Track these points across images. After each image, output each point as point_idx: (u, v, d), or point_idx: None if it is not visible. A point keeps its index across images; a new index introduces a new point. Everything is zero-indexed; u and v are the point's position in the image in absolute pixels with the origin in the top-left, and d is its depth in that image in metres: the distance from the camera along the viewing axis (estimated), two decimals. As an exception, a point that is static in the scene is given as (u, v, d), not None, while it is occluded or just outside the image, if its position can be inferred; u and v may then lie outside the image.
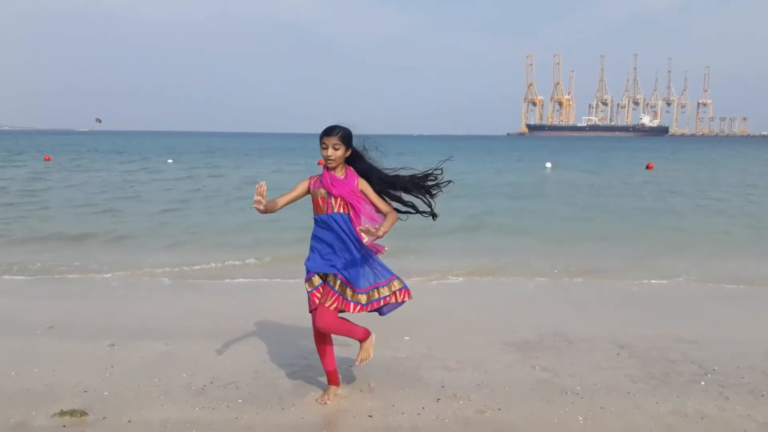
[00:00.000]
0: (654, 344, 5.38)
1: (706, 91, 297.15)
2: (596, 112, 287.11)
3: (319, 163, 35.60)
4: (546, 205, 18.13)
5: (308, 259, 4.00)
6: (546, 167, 37.01)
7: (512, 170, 35.10)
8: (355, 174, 3.90)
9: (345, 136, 3.79)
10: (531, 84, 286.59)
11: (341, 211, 3.83)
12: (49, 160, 38.38)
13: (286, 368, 4.74)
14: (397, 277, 4.04)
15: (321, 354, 4.14)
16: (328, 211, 3.84)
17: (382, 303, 3.96)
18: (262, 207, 3.62)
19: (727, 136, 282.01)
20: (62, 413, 3.90)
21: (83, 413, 3.91)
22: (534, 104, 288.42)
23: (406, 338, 5.43)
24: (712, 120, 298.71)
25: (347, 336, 4.10)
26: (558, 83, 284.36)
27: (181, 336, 5.53)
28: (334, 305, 3.88)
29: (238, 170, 32.97)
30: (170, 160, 40.02)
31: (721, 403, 4.16)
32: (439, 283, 8.00)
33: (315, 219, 3.94)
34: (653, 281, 8.24)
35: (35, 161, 37.82)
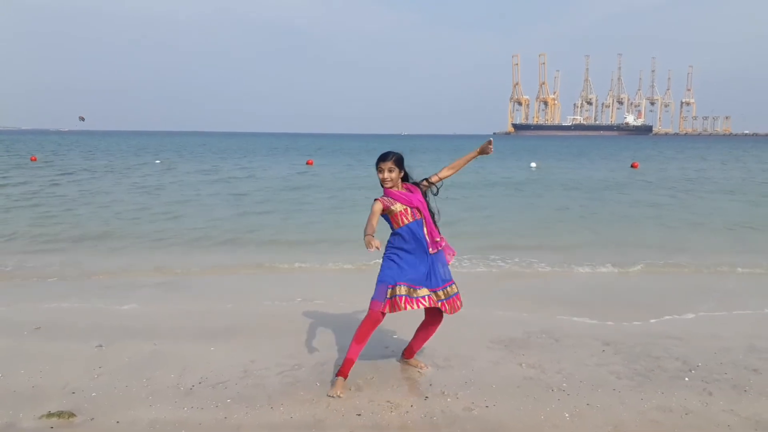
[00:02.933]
0: (638, 341, 5.45)
1: (689, 90, 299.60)
2: (581, 111, 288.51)
3: (308, 163, 35.23)
4: (534, 202, 18.23)
5: (394, 271, 4.26)
6: (531, 167, 37.17)
7: (500, 169, 35.24)
8: (415, 188, 4.41)
9: (397, 159, 4.33)
10: (517, 84, 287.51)
11: (417, 218, 4.30)
12: (34, 160, 38.13)
13: (274, 368, 4.75)
14: (454, 282, 4.47)
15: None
16: (410, 221, 4.28)
17: (455, 300, 4.40)
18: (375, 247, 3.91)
19: (710, 134, 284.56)
20: (50, 414, 3.89)
21: (71, 414, 3.90)
22: (520, 104, 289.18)
23: (394, 336, 5.46)
24: (696, 119, 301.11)
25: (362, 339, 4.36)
26: (543, 83, 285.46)
27: (170, 336, 5.53)
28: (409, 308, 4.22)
29: (233, 169, 32.87)
30: (157, 161, 39.76)
31: (705, 399, 4.22)
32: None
33: (398, 231, 4.30)
34: (637, 277, 8.33)
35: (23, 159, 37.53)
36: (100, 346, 5.24)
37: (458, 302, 4.44)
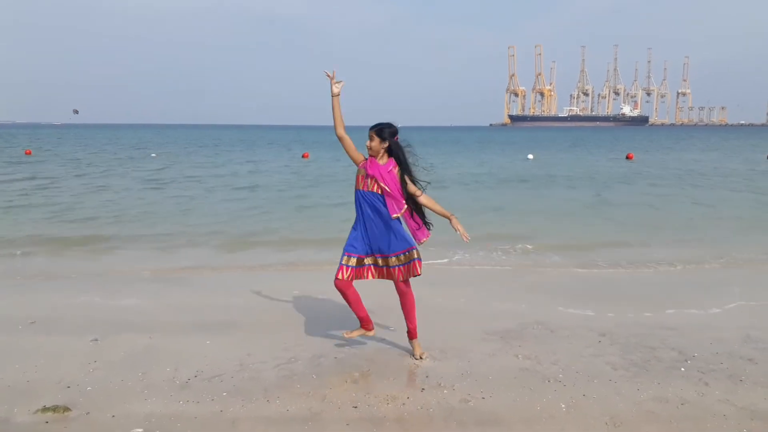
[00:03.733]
0: (634, 331, 5.45)
1: (685, 80, 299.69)
2: (577, 102, 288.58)
3: (304, 156, 35.16)
4: (526, 193, 18.23)
5: (348, 239, 4.69)
6: (528, 158, 37.17)
7: (497, 160, 35.24)
8: (395, 163, 4.60)
9: (379, 130, 4.56)
10: (513, 75, 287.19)
11: (375, 190, 4.56)
12: (29, 153, 38.10)
13: (270, 361, 4.74)
14: (416, 248, 4.65)
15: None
16: (364, 188, 4.58)
17: (415, 264, 4.60)
18: (338, 90, 4.60)
19: (706, 125, 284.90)
20: (45, 409, 3.87)
21: (66, 409, 3.89)
22: (516, 95, 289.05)
23: (390, 328, 5.45)
24: (691, 109, 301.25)
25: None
26: (540, 74, 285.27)
27: (165, 330, 5.51)
28: (369, 278, 4.71)
29: (225, 165, 32.79)
30: (153, 154, 39.65)
31: (701, 389, 4.23)
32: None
33: (355, 192, 4.68)
34: (632, 268, 8.34)
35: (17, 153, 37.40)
36: (96, 340, 5.22)
37: (417, 267, 4.61)
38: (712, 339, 5.24)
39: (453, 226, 4.52)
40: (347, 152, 4.65)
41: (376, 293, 5.80)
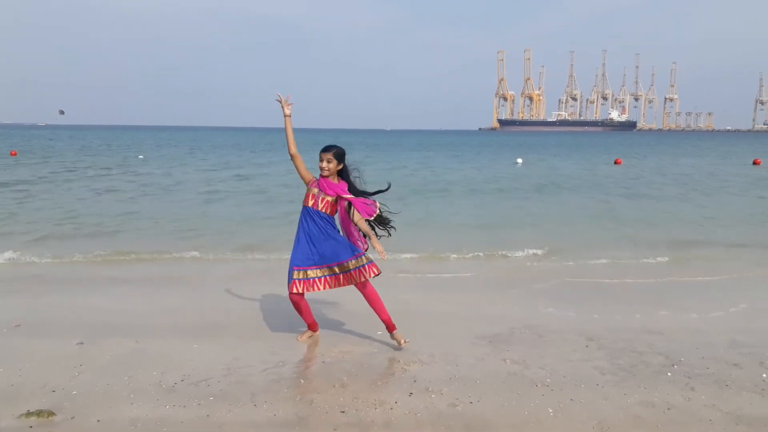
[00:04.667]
0: (621, 336, 5.48)
1: (672, 86, 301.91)
2: (566, 107, 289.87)
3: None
4: (512, 199, 18.28)
5: (294, 254, 4.95)
6: (517, 162, 37.28)
7: (486, 166, 35.33)
8: (345, 183, 4.95)
9: (338, 153, 4.89)
10: (502, 79, 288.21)
11: (326, 211, 4.90)
12: (15, 154, 37.75)
13: (257, 365, 4.72)
14: (364, 254, 4.96)
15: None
16: (315, 207, 4.89)
17: (366, 269, 4.91)
18: (289, 111, 5.02)
19: (693, 130, 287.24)
20: (29, 414, 3.83)
21: (51, 413, 3.85)
22: (505, 99, 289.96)
23: (378, 333, 5.44)
24: (679, 115, 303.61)
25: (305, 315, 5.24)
26: (528, 78, 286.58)
27: (152, 333, 5.47)
28: (321, 288, 4.98)
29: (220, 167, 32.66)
30: (141, 156, 39.43)
31: (687, 394, 4.25)
32: (410, 276, 8.02)
33: (303, 208, 4.96)
34: (621, 273, 8.37)
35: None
36: (82, 343, 5.18)
37: (373, 270, 4.94)
38: (698, 344, 5.27)
39: (372, 244, 4.89)
40: (298, 170, 4.98)
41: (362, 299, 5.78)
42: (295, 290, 4.89)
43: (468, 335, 5.46)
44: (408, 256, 9.17)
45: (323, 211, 4.89)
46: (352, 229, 4.95)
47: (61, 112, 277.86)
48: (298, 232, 4.98)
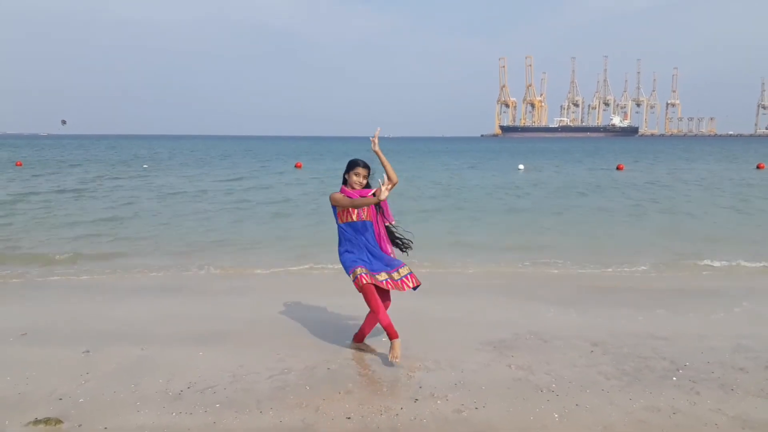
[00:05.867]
0: (626, 341, 5.48)
1: (674, 91, 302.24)
2: (568, 113, 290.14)
3: (296, 166, 35.09)
4: (519, 204, 18.30)
5: (349, 256, 5.04)
6: (519, 169, 37.31)
7: (489, 171, 35.38)
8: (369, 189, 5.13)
9: (367, 166, 5.09)
10: (504, 86, 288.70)
11: (369, 219, 5.09)
12: (20, 165, 38.01)
13: (263, 372, 4.73)
14: (405, 265, 5.10)
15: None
16: (359, 219, 5.05)
17: (402, 283, 4.97)
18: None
19: (696, 135, 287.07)
20: (36, 421, 3.85)
21: (58, 421, 3.86)
22: (507, 106, 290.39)
23: (383, 339, 5.45)
24: (681, 120, 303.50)
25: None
26: (530, 85, 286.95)
27: (158, 341, 5.49)
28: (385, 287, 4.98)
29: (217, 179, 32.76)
30: (145, 165, 39.57)
31: (693, 398, 4.25)
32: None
33: (349, 224, 5.06)
34: (625, 277, 8.38)
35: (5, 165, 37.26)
36: (88, 351, 5.20)
37: (412, 281, 5.02)
38: (703, 348, 5.27)
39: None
40: (341, 205, 5.01)
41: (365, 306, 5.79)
42: (364, 281, 4.78)
43: (473, 341, 5.47)
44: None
45: (368, 219, 5.08)
46: (383, 234, 5.15)
47: (63, 122, 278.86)
48: (346, 246, 5.05)
